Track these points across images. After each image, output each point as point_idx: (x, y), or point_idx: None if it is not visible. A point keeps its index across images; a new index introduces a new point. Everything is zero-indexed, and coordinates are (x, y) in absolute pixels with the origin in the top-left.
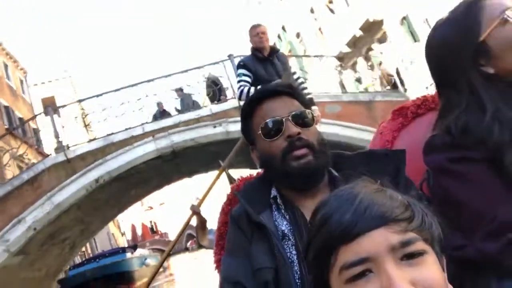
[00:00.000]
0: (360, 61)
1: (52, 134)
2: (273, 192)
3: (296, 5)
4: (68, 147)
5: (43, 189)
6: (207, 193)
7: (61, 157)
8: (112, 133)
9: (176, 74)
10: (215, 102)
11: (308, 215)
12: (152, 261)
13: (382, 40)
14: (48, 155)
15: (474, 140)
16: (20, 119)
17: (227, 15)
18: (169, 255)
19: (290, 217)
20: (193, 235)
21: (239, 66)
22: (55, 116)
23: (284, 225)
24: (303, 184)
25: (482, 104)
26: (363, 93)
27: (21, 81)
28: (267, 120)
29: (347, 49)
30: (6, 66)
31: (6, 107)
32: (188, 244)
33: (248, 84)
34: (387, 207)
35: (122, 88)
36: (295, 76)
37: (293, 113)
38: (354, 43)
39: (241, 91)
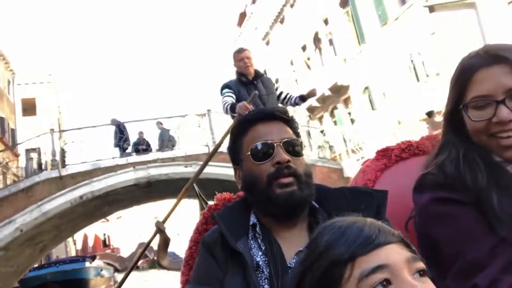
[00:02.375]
0: (326, 116)
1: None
2: (253, 219)
3: (279, 54)
4: (62, 166)
5: (35, 198)
6: (172, 211)
7: (55, 173)
8: (101, 160)
9: (162, 119)
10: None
11: (285, 247)
12: (107, 273)
13: (347, 102)
14: (19, 155)
15: (461, 184)
16: (2, 118)
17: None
18: (132, 269)
19: (266, 248)
20: (146, 255)
21: (223, 87)
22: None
23: (259, 256)
24: (284, 213)
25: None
26: (308, 157)
27: (9, 82)
28: (258, 143)
29: (316, 104)
30: None
31: None
32: (140, 262)
33: (233, 100)
34: (394, 230)
35: (108, 124)
36: (282, 96)
37: (285, 140)
38: (323, 99)
39: (227, 107)
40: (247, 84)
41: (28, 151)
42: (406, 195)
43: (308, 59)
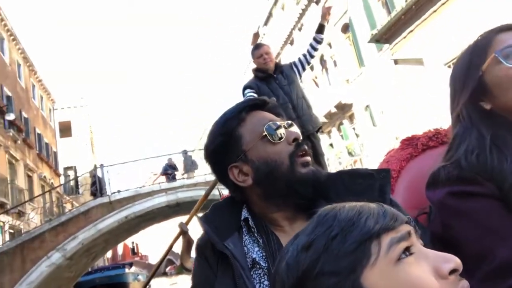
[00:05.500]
0: (334, 131)
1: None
2: (244, 213)
3: None
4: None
5: (91, 219)
6: (195, 212)
7: (105, 199)
8: (141, 187)
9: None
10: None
11: (284, 240)
12: (143, 278)
13: (352, 119)
14: (60, 174)
15: (483, 175)
16: (47, 144)
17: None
18: (153, 275)
19: (263, 241)
20: (173, 261)
21: (244, 88)
22: (105, 170)
23: (255, 252)
24: (312, 192)
25: (480, 138)
26: None
27: (50, 110)
28: (269, 122)
29: (324, 120)
30: (41, 98)
31: (39, 135)
32: (167, 269)
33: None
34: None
35: (145, 158)
36: (299, 66)
37: (287, 121)
38: (330, 116)
39: None
40: (266, 78)
41: (66, 169)
42: None
43: (316, 78)
